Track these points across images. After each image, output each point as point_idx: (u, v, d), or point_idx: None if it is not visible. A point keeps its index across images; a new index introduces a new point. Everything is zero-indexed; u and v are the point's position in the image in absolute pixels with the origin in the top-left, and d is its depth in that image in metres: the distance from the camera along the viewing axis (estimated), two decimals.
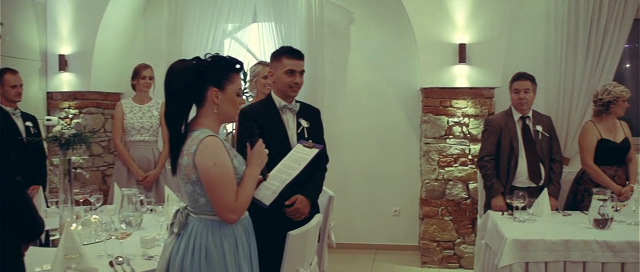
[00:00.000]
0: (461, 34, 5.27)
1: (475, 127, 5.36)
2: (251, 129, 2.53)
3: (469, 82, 5.33)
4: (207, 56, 2.37)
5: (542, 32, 5.65)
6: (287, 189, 3.03)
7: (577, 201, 4.43)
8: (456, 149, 5.42)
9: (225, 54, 2.43)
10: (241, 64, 2.40)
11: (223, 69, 2.35)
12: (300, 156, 2.94)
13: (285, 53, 3.34)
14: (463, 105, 5.39)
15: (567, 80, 5.48)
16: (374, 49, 6.06)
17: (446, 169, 5.45)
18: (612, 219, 3.50)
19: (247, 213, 2.49)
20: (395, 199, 6.16)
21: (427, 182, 5.50)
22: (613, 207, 3.58)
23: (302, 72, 3.37)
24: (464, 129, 5.40)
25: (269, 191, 2.66)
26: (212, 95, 2.33)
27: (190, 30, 6.03)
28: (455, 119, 5.41)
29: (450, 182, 5.46)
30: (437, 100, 5.42)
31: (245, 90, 5.11)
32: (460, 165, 5.41)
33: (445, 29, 5.30)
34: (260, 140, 2.49)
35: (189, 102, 2.36)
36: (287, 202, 3.19)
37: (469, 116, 5.40)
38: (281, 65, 3.31)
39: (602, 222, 3.47)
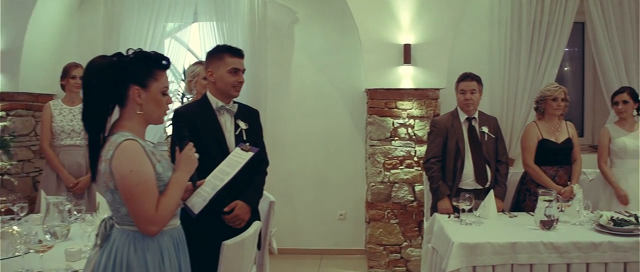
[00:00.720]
0: (406, 35, 5.20)
1: (420, 129, 5.30)
2: (180, 131, 2.35)
3: (414, 83, 5.26)
4: (130, 52, 2.18)
5: (486, 33, 5.66)
6: (226, 195, 2.87)
7: (520, 201, 4.41)
8: (402, 151, 5.34)
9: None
10: (167, 60, 2.22)
11: (146, 65, 2.16)
12: (235, 160, 2.78)
13: (227, 51, 3.18)
14: (408, 107, 5.32)
15: (511, 81, 5.51)
16: (318, 49, 5.94)
17: (392, 171, 5.36)
18: (557, 219, 3.47)
19: (177, 222, 2.30)
20: (341, 203, 6.05)
21: (373, 185, 5.40)
22: (558, 208, 3.55)
23: (243, 70, 3.22)
24: (410, 130, 5.33)
25: (200, 198, 2.48)
26: (134, 94, 2.14)
27: (127, 29, 5.75)
28: (401, 121, 5.33)
29: (396, 185, 5.37)
30: (382, 101, 5.32)
31: (180, 91, 4.90)
32: (406, 167, 5.34)
33: (390, 29, 5.22)
34: (190, 143, 2.31)
35: (108, 102, 2.16)
36: (226, 209, 3.02)
37: (414, 118, 5.33)
38: (224, 64, 3.15)
39: (548, 224, 3.43)
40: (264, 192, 3.70)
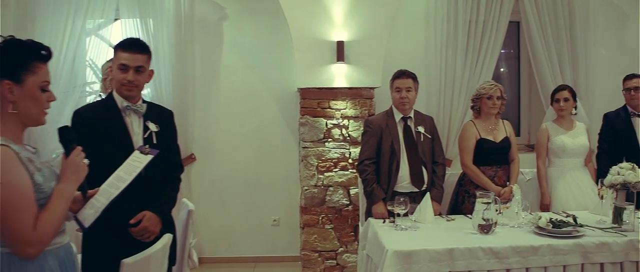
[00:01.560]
0: (339, 31, 4.99)
1: (355, 130, 5.09)
2: (66, 133, 2.02)
3: (347, 82, 5.06)
4: None
5: (422, 31, 5.55)
6: (133, 205, 2.56)
7: (458, 203, 4.26)
8: (336, 152, 5.12)
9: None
10: (48, 50, 1.90)
11: (20, 56, 1.85)
12: (133, 165, 2.47)
13: (119, 45, 2.85)
14: (342, 107, 5.12)
15: (447, 80, 5.42)
16: (249, 47, 5.65)
17: (326, 174, 5.14)
18: (496, 223, 3.31)
19: (64, 240, 1.97)
20: (274, 208, 5.78)
21: (306, 189, 5.16)
22: (496, 210, 3.40)
23: (139, 68, 2.86)
24: (344, 131, 5.12)
25: (92, 209, 2.16)
26: (5, 90, 1.82)
27: (42, 27, 5.29)
28: (334, 121, 5.12)
29: (331, 188, 5.15)
30: (314, 101, 5.09)
31: (97, 91, 4.52)
32: (341, 170, 5.12)
33: (322, 25, 4.99)
34: (79, 148, 1.99)
35: None
36: (132, 221, 2.70)
37: (348, 118, 5.12)
38: (116, 59, 2.83)
39: (486, 228, 3.27)
40: (184, 199, 3.42)
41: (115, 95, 2.89)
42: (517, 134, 6.03)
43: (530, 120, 6.05)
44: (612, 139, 4.67)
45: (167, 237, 2.51)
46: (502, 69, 6.19)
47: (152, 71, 2.96)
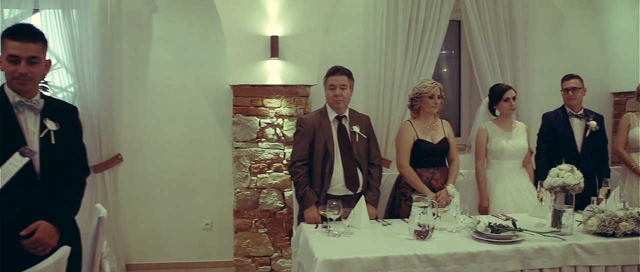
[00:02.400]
0: (273, 26, 4.77)
1: (290, 129, 4.87)
2: None
3: (282, 79, 4.85)
4: None
5: (361, 27, 5.40)
6: (26, 215, 2.26)
7: (395, 206, 4.08)
8: (269, 153, 4.90)
9: None
10: None
11: None
12: (8, 168, 2.16)
13: (8, 33, 2.52)
14: (276, 105, 4.89)
15: (386, 78, 5.28)
16: (180, 43, 5.35)
17: (259, 175, 4.90)
18: (433, 228, 3.13)
19: None
20: (206, 211, 5.49)
21: (239, 192, 4.91)
22: (433, 215, 3.22)
23: (32, 58, 2.53)
24: (278, 131, 4.91)
25: None
26: None
27: None
28: (268, 120, 4.90)
29: (264, 191, 4.92)
30: (247, 99, 4.86)
31: None
32: (275, 171, 4.90)
33: (256, 19, 4.75)
34: None
35: None
36: (23, 232, 2.37)
37: (283, 117, 4.91)
38: (4, 49, 2.50)
39: (422, 233, 3.09)
40: (98, 204, 3.09)
41: (7, 89, 2.56)
42: (458, 134, 5.96)
43: (470, 120, 5.97)
44: (550, 139, 4.61)
45: (63, 251, 2.21)
46: (444, 70, 6.12)
47: (49, 62, 2.65)
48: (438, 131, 4.11)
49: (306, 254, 3.12)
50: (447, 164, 4.20)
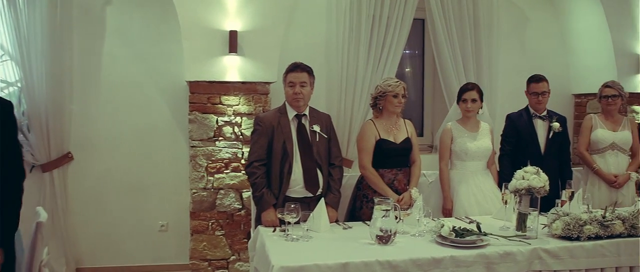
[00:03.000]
0: (232, 21, 4.60)
1: (248, 127, 4.70)
2: None
3: (241, 76, 4.68)
4: None
5: (324, 24, 5.26)
6: None
7: (356, 208, 3.96)
8: (227, 152, 4.72)
9: None
10: None
11: None
12: None
13: None
14: (235, 102, 4.73)
15: (349, 76, 5.16)
16: (135, 36, 5.13)
17: (216, 176, 4.72)
18: (395, 232, 3.01)
19: None
20: (162, 212, 5.28)
21: (195, 192, 4.72)
22: (396, 218, 3.10)
23: None
24: (236, 129, 4.74)
25: None
26: None
27: None
28: (226, 118, 4.72)
29: (222, 191, 4.75)
30: (204, 96, 4.68)
31: None
32: (232, 171, 4.73)
33: (213, 13, 4.58)
34: None
35: None
36: None
37: (241, 115, 4.75)
38: None
39: (384, 238, 2.96)
40: (38, 208, 2.88)
41: None
42: (421, 134, 5.91)
43: (433, 119, 5.92)
44: (514, 140, 4.55)
45: None
46: (407, 69, 6.05)
47: None
48: (401, 131, 4.01)
49: (263, 259, 2.97)
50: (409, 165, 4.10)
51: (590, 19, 5.89)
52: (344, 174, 4.07)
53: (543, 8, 6.15)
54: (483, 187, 4.21)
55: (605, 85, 4.76)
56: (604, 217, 3.28)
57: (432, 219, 3.40)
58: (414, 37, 5.88)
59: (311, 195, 3.65)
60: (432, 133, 5.94)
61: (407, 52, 5.99)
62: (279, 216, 3.19)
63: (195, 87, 4.67)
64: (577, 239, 3.16)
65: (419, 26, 5.91)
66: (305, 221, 3.15)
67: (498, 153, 4.65)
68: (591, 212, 3.43)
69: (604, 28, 5.78)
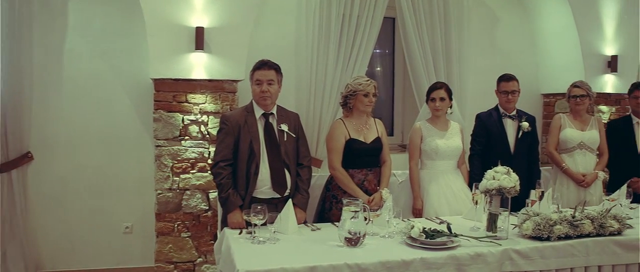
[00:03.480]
0: (199, 17, 4.49)
1: (215, 126, 4.59)
2: None
3: (207, 74, 4.57)
4: None
5: (293, 22, 5.19)
6: None
7: (325, 209, 3.89)
8: (193, 152, 4.61)
9: None
10: None
11: None
12: None
13: None
14: (201, 101, 4.62)
15: (318, 75, 5.10)
16: (98, 32, 4.98)
17: (182, 176, 4.61)
18: (364, 234, 2.94)
19: None
20: (126, 214, 5.15)
21: (160, 193, 4.60)
22: (365, 219, 3.04)
23: None
24: (203, 128, 4.64)
25: None
26: None
27: None
28: (192, 117, 4.61)
29: (188, 192, 4.64)
30: (170, 94, 4.56)
31: None
32: (199, 171, 4.62)
33: (179, 9, 4.47)
34: None
35: None
36: None
37: (208, 113, 4.64)
38: None
39: (353, 240, 2.89)
40: None
41: None
42: (391, 133, 5.87)
43: (404, 119, 5.90)
44: (484, 140, 4.52)
45: None
46: (378, 68, 6.01)
47: None
48: (371, 130, 3.94)
49: (228, 263, 2.88)
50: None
51: (559, 20, 5.93)
52: (313, 174, 3.99)
53: (513, 8, 6.18)
54: (453, 186, 4.18)
55: (574, 85, 4.78)
56: (573, 217, 3.26)
57: (402, 220, 3.34)
58: (384, 36, 5.87)
59: (279, 196, 3.56)
60: (402, 132, 5.92)
61: (377, 51, 5.95)
62: (245, 217, 3.09)
63: (161, 85, 4.55)
64: (548, 239, 3.13)
65: (390, 25, 5.88)
66: (272, 222, 3.05)
67: (469, 153, 4.62)
68: (561, 212, 3.42)
69: (572, 29, 5.82)
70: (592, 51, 5.89)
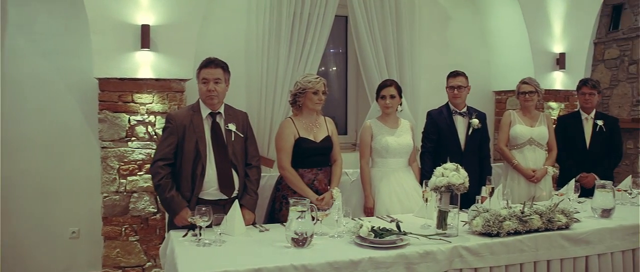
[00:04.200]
0: (144, 14, 4.37)
1: (162, 127, 4.44)
2: None
3: (154, 73, 4.45)
4: None
5: (243, 20, 5.07)
6: None
7: (275, 210, 3.82)
8: (140, 153, 4.48)
9: None
10: None
11: None
12: None
13: None
14: (148, 101, 4.49)
15: (270, 74, 5.01)
16: (40, 30, 4.79)
17: (129, 178, 4.48)
18: (312, 234, 2.89)
19: None
20: (73, 218, 4.97)
21: (106, 196, 4.46)
22: (313, 219, 2.99)
23: None
24: (150, 129, 4.50)
25: None
26: None
27: None
28: (139, 117, 4.48)
29: (135, 195, 4.51)
30: (115, 94, 4.42)
31: None
32: (146, 173, 4.48)
33: (124, 5, 4.33)
34: None
35: None
36: None
37: (155, 113, 4.51)
38: None
39: (300, 241, 2.83)
40: None
41: None
42: (344, 132, 5.84)
43: (357, 117, 5.87)
44: (435, 137, 4.53)
45: None
46: (333, 68, 6.00)
47: None
48: (321, 129, 3.90)
49: (171, 267, 2.80)
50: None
51: (509, 18, 5.99)
52: (264, 174, 3.92)
53: (464, 6, 6.21)
54: (405, 184, 4.16)
55: (522, 82, 4.84)
56: (522, 212, 3.28)
57: (353, 219, 3.30)
58: (338, 35, 5.83)
59: (226, 197, 3.49)
60: (356, 131, 5.89)
61: (332, 50, 5.92)
62: (190, 219, 3.00)
63: (105, 84, 4.41)
64: (497, 235, 3.14)
65: (343, 24, 5.85)
66: (218, 224, 2.97)
67: (420, 151, 4.62)
68: (511, 207, 3.43)
69: (522, 27, 5.89)
70: (541, 49, 5.98)
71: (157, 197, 3.54)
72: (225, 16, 5.05)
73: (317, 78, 3.87)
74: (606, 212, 3.68)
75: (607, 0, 7.01)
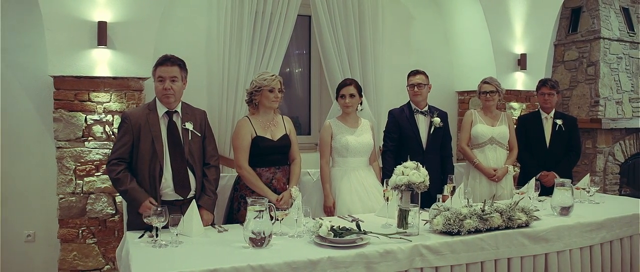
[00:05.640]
0: (101, 10, 4.26)
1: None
2: None
3: (111, 71, 4.34)
4: None
5: (204, 18, 5.00)
6: None
7: (234, 210, 3.77)
8: (98, 153, 4.37)
9: None
10: None
11: None
12: None
13: None
14: (105, 99, 4.38)
15: (231, 73, 4.94)
16: None
17: (86, 179, 4.36)
18: (271, 234, 2.84)
19: None
20: (28, 221, 4.81)
21: (62, 198, 4.34)
22: (272, 219, 2.94)
23: None
24: (107, 128, 4.40)
25: None
26: None
27: None
28: (96, 117, 4.37)
29: (92, 196, 4.40)
30: (71, 92, 4.30)
31: None
32: (104, 174, 4.37)
33: (80, 2, 4.22)
34: None
35: None
36: None
37: (112, 113, 4.41)
38: None
39: (258, 241, 2.78)
40: None
41: None
42: (308, 132, 5.80)
43: (320, 117, 5.83)
44: (397, 136, 4.52)
45: None
46: (295, 67, 5.96)
47: None
48: (278, 127, 3.86)
49: (126, 269, 2.72)
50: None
51: (471, 19, 6.04)
52: (224, 174, 3.86)
53: (427, 7, 6.24)
54: (365, 183, 4.15)
55: (484, 82, 4.88)
56: (483, 210, 3.29)
57: (313, 219, 3.27)
58: (302, 35, 5.79)
59: (182, 198, 3.42)
60: (319, 131, 5.86)
61: (296, 51, 5.88)
62: (145, 220, 2.93)
63: (61, 82, 4.29)
64: (458, 233, 3.14)
65: (306, 24, 5.81)
66: (175, 225, 2.90)
67: (382, 149, 4.62)
68: (471, 206, 3.44)
69: (484, 28, 5.95)
70: (502, 49, 6.04)
71: (118, 192, 3.42)
72: (186, 14, 4.97)
73: (273, 76, 3.83)
74: (565, 210, 3.73)
75: (566, 3, 7.14)
